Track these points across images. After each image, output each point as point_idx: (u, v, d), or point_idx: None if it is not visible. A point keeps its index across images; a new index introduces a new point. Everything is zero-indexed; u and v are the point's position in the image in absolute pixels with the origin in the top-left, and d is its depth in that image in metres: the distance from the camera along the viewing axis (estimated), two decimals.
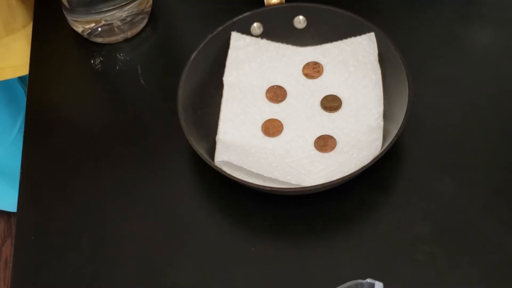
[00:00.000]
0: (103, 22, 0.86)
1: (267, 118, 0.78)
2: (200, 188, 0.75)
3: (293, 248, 0.71)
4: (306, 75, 0.82)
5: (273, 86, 0.80)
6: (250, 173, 0.72)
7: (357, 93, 0.79)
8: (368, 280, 0.60)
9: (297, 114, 0.78)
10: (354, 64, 0.80)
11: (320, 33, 0.82)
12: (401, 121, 0.69)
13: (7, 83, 0.97)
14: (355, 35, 0.80)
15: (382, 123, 0.75)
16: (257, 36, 0.82)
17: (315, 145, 0.75)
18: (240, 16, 0.81)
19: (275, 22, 0.77)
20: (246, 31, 0.82)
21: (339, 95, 0.79)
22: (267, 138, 0.77)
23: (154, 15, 0.91)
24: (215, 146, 0.75)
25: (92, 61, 0.88)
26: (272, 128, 0.77)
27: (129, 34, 0.89)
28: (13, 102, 1.10)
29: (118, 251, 0.72)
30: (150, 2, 0.90)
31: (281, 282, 0.68)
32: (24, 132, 0.82)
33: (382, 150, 0.69)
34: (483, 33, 0.86)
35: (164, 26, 0.92)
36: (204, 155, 0.70)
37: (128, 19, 0.87)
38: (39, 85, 0.87)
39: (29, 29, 0.93)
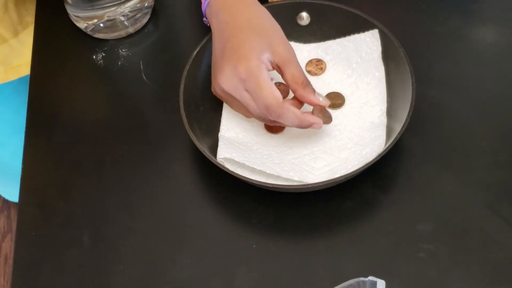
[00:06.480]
0: (106, 18, 0.86)
1: None
2: (202, 185, 0.75)
3: (295, 246, 0.70)
4: (309, 72, 0.81)
5: (276, 83, 0.80)
6: (253, 170, 0.71)
7: (360, 90, 0.79)
8: (370, 278, 0.60)
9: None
10: (357, 61, 0.80)
11: (323, 30, 0.82)
12: (405, 118, 0.69)
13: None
14: (358, 32, 0.80)
15: (385, 120, 0.75)
16: None
17: None
18: None
19: (278, 18, 0.76)
20: None
21: (342, 92, 0.79)
22: (269, 134, 0.76)
23: (156, 11, 0.91)
24: (217, 142, 0.75)
25: (94, 57, 0.87)
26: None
27: (132, 29, 0.88)
28: None
29: (119, 247, 0.71)
30: None
31: (283, 279, 0.68)
32: (26, 127, 0.82)
33: (386, 147, 0.69)
34: (487, 31, 0.86)
35: (166, 22, 0.91)
36: (207, 152, 0.70)
37: (131, 14, 0.87)
38: (41, 80, 0.86)
39: None
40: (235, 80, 0.68)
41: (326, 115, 0.72)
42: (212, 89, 0.74)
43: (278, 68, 0.70)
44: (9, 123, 1.05)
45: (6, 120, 1.05)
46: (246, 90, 0.69)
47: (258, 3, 0.74)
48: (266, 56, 0.69)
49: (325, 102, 0.71)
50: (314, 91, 0.71)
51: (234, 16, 0.72)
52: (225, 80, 0.69)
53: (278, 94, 0.68)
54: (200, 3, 0.78)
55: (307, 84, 0.71)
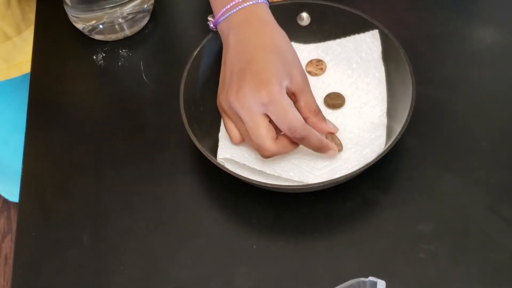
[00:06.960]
0: (105, 20, 0.86)
1: None
2: (202, 185, 0.75)
3: (295, 246, 0.70)
4: (309, 72, 0.81)
5: None
6: (253, 170, 0.71)
7: (360, 90, 0.79)
8: (370, 278, 0.60)
9: None
10: (357, 62, 0.80)
11: (324, 30, 0.82)
12: (405, 119, 0.69)
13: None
14: (358, 33, 0.80)
15: (385, 120, 0.75)
16: None
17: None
18: None
19: (278, 19, 0.77)
20: None
21: (342, 93, 0.79)
22: None
23: (156, 12, 0.91)
24: (217, 143, 0.75)
25: (95, 57, 0.87)
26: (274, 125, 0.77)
27: (129, 32, 0.88)
28: None
29: (119, 247, 0.71)
30: (152, 0, 0.89)
31: (283, 280, 0.68)
32: (26, 128, 0.82)
33: (386, 147, 0.69)
34: (487, 31, 0.86)
35: (166, 23, 0.91)
36: (207, 152, 0.70)
37: (130, 16, 0.87)
38: (41, 80, 0.86)
39: None
40: (254, 103, 0.67)
41: (337, 142, 0.73)
42: (218, 103, 0.73)
43: (293, 95, 0.70)
44: (11, 120, 1.05)
45: (8, 117, 1.05)
46: (264, 115, 0.68)
47: (279, 27, 0.73)
48: (285, 83, 0.69)
49: (335, 129, 0.73)
50: (325, 118, 0.73)
51: (257, 36, 0.71)
52: (241, 101, 0.68)
53: (301, 117, 0.69)
54: (208, 5, 0.77)
55: (319, 112, 0.72)
